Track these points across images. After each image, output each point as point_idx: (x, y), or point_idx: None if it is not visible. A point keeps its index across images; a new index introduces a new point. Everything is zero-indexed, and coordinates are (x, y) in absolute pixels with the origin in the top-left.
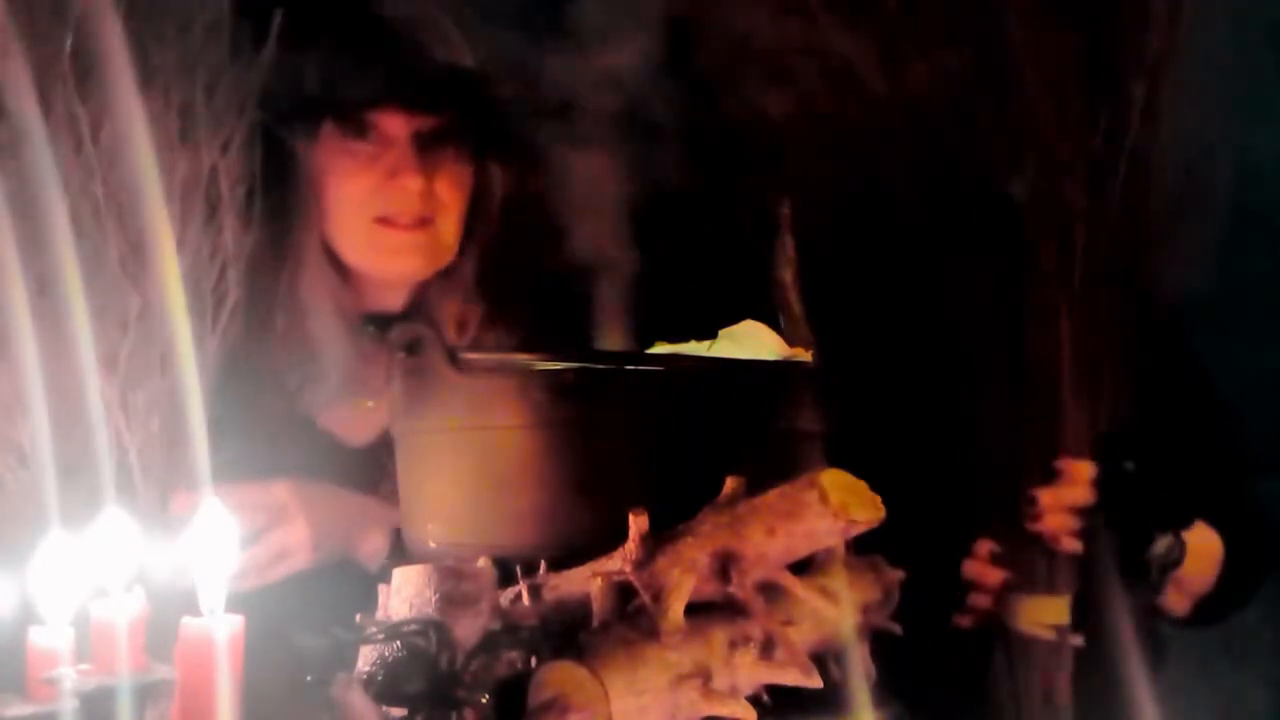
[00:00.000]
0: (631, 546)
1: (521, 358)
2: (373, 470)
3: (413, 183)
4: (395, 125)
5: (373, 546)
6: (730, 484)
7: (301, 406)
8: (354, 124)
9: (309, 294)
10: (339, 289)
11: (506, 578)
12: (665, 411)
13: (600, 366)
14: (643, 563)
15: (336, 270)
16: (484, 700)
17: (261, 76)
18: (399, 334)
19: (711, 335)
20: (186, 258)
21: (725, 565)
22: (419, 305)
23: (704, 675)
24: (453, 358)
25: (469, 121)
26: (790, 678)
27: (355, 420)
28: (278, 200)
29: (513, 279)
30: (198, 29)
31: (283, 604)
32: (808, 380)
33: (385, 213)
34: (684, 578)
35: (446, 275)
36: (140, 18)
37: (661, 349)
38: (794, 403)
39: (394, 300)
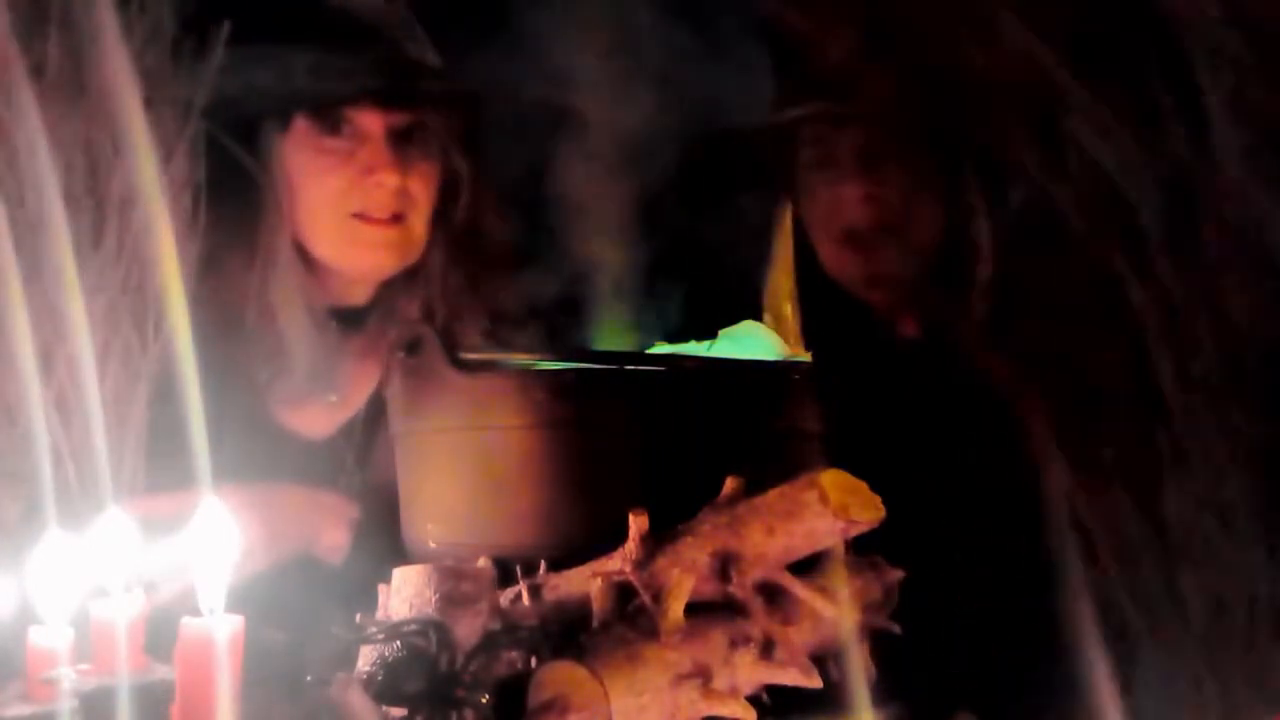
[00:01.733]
0: (631, 546)
1: (521, 358)
2: (332, 463)
3: (389, 179)
4: (371, 121)
5: (333, 541)
6: (730, 484)
7: (269, 402)
8: (329, 120)
9: (280, 290)
10: (308, 284)
11: (506, 578)
12: (665, 411)
13: (600, 366)
14: (643, 563)
15: (305, 266)
16: (484, 700)
17: (207, 86)
18: (399, 334)
19: (711, 335)
20: (124, 265)
21: (725, 565)
22: (383, 299)
23: (704, 675)
24: (453, 358)
25: (439, 118)
26: (790, 678)
27: (316, 414)
28: (248, 198)
29: (475, 273)
30: (135, 39)
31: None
32: (808, 380)
33: (361, 209)
34: (684, 578)
35: (411, 270)
36: (73, 28)
37: (661, 349)
38: (794, 403)
39: (359, 294)
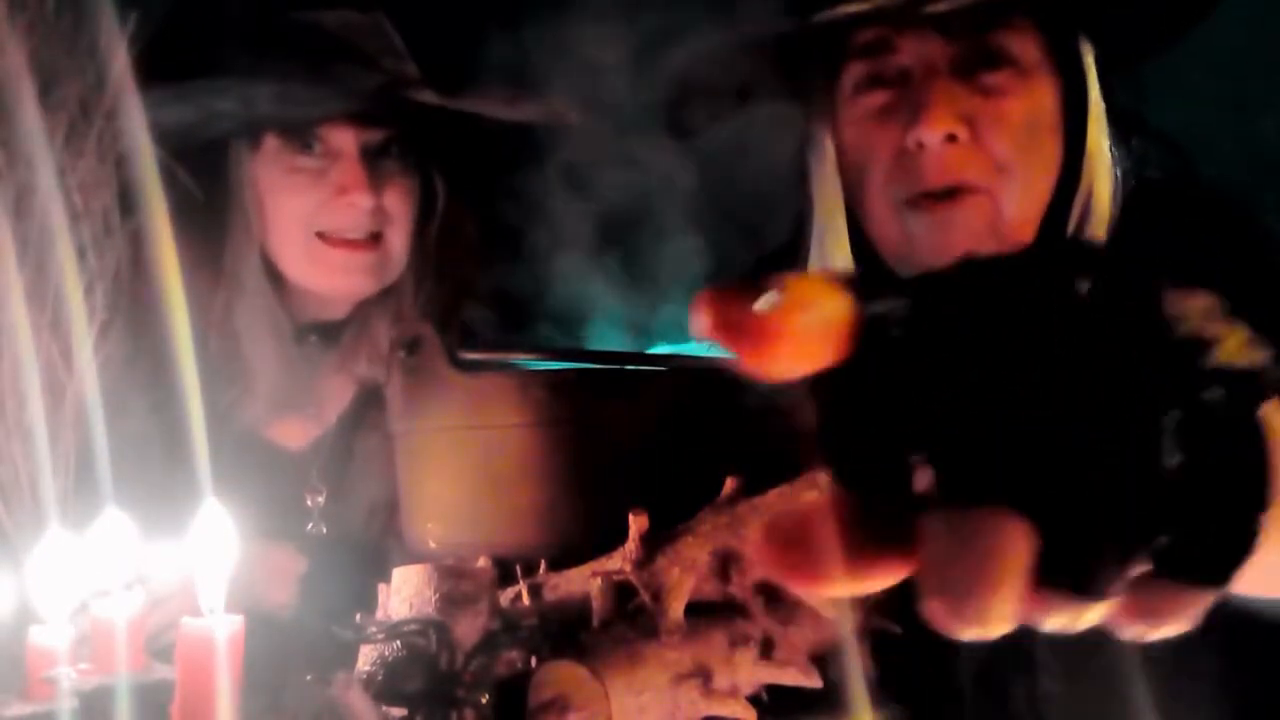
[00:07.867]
0: (631, 546)
1: (521, 357)
2: (305, 473)
3: (362, 199)
4: (343, 139)
5: (278, 599)
6: (730, 484)
7: (234, 424)
8: (300, 138)
9: (245, 314)
10: (276, 306)
11: (506, 578)
12: (665, 411)
13: (600, 366)
14: (643, 562)
15: (275, 284)
16: (484, 700)
17: (115, 83)
18: (399, 333)
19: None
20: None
21: (725, 565)
22: (362, 313)
23: (704, 675)
24: (452, 357)
25: (415, 133)
26: (790, 678)
27: (294, 425)
28: (214, 220)
29: (453, 289)
30: (19, 28)
31: None
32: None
33: (331, 228)
34: (684, 577)
35: (387, 286)
36: None
37: (661, 349)
38: (794, 402)
39: (336, 311)
